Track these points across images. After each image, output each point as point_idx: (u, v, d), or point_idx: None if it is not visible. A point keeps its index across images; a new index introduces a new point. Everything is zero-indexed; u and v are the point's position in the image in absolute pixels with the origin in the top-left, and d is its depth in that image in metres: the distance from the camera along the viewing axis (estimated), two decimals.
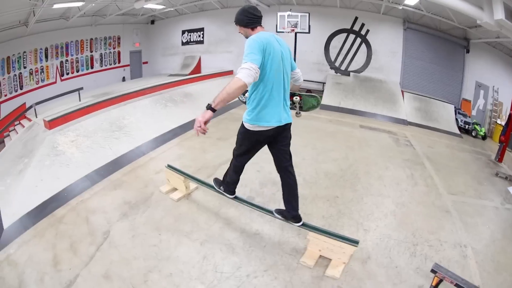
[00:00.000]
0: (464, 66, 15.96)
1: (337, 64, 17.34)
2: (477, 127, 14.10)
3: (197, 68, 21.38)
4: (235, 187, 4.41)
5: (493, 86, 15.10)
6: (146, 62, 25.83)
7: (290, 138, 3.79)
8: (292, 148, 3.95)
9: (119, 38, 23.74)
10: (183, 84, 13.72)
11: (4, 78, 17.35)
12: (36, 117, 11.26)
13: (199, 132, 3.07)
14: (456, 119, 14.24)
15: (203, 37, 22.18)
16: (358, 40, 16.78)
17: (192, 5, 21.38)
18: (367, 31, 16.50)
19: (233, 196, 4.50)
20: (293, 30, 14.30)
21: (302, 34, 14.90)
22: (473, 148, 11.72)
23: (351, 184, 6.80)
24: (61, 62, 20.44)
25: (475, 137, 13.82)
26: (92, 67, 22.35)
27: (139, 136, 8.27)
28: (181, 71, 21.15)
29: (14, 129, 13.78)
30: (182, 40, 23.35)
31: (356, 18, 16.39)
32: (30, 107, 13.59)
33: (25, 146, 8.02)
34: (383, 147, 9.68)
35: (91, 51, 22.15)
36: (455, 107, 14.96)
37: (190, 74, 19.47)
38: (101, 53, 22.84)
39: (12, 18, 14.86)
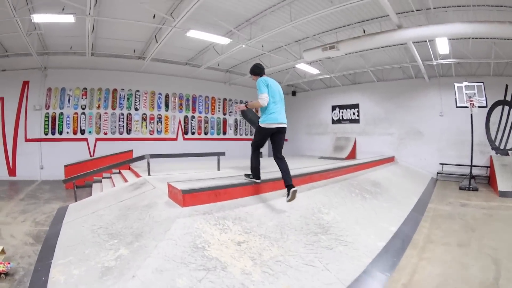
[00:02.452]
0: None
1: (497, 143, 14.80)
2: None
3: (352, 152, 17.94)
4: (259, 172, 5.98)
5: None
6: (286, 140, 21.35)
7: (284, 137, 5.80)
8: None
9: None
10: (358, 170, 11.06)
11: (106, 113, 14.52)
12: (149, 174, 8.72)
13: (238, 109, 6.57)
14: None
15: (358, 115, 18.74)
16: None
17: (342, 77, 18.35)
18: None
19: (260, 180, 6.01)
20: (472, 103, 12.22)
21: (467, 111, 13.03)
22: None
23: None
24: (186, 117, 17.12)
25: None
26: (224, 133, 18.90)
27: (359, 243, 4.88)
28: (334, 154, 17.99)
29: (111, 177, 10.51)
30: (332, 118, 20.09)
31: (507, 86, 14.15)
32: (141, 158, 9.82)
33: (132, 217, 5.20)
34: None
35: (224, 114, 18.95)
36: None
37: (347, 158, 16.62)
38: (236, 119, 19.50)
39: (126, 44, 13.18)
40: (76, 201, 7.85)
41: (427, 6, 9.99)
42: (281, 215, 5.27)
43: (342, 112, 19.39)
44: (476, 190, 11.72)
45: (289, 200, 5.17)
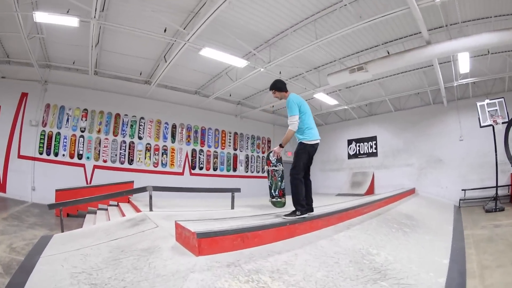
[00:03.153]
0: None
1: None
2: None
3: (371, 187, 16.84)
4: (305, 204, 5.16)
5: None
6: None
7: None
8: None
9: (269, 141, 19.47)
10: (387, 203, 10.29)
11: (107, 139, 13.27)
12: (151, 209, 7.33)
13: (277, 155, 6.41)
14: None
15: (376, 148, 17.92)
16: None
17: (358, 109, 17.67)
18: None
19: (313, 211, 5.43)
20: (495, 120, 12.00)
21: (486, 132, 13.10)
22: None
23: None
24: (193, 150, 15.80)
25: None
26: (235, 169, 17.47)
27: (422, 284, 3.91)
28: (352, 190, 16.95)
29: (107, 209, 9.18)
30: (348, 152, 19.29)
31: None
32: (142, 189, 8.03)
33: (125, 264, 3.79)
34: None
35: (235, 149, 17.65)
36: None
37: (365, 194, 15.55)
38: (247, 155, 18.23)
39: (132, 62, 12.33)
40: (62, 231, 6.62)
41: (450, 22, 9.99)
42: (328, 262, 3.93)
43: (359, 146, 18.57)
44: (503, 210, 11.49)
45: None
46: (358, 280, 3.72)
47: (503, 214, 11.04)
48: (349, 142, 19.01)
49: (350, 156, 18.97)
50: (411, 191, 14.34)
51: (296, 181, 5.11)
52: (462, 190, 14.28)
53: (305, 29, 9.78)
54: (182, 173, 15.03)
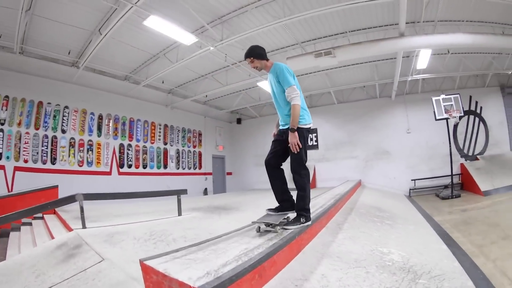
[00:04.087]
0: None
1: (465, 150, 15.96)
2: None
3: (313, 181, 16.59)
4: None
5: None
6: (231, 173, 19.37)
7: None
8: None
9: (200, 134, 17.70)
10: (348, 198, 9.76)
11: (28, 133, 10.55)
12: (84, 226, 5.35)
13: (297, 146, 3.86)
14: None
15: (316, 141, 17.71)
16: (477, 120, 15.88)
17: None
18: (481, 108, 15.78)
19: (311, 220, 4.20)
20: (450, 114, 12.83)
21: (434, 125, 14.29)
22: None
23: None
24: (121, 145, 13.41)
25: None
26: (165, 167, 15.34)
27: (447, 272, 4.00)
28: (291, 184, 14.60)
29: (31, 223, 7.19)
30: None
31: (470, 97, 15.60)
32: (70, 200, 5.84)
33: None
34: None
35: (165, 143, 15.53)
36: None
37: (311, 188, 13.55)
38: (178, 150, 16.18)
39: (64, 37, 10.00)
40: None
41: (426, 19, 10.17)
42: (359, 274, 3.50)
43: None
44: (459, 196, 12.30)
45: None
46: (401, 285, 3.51)
47: (460, 200, 11.82)
48: None
49: None
50: (359, 183, 14.43)
51: (304, 180, 4.04)
52: (412, 180, 14.94)
53: (267, 7, 8.69)
54: (109, 173, 12.73)
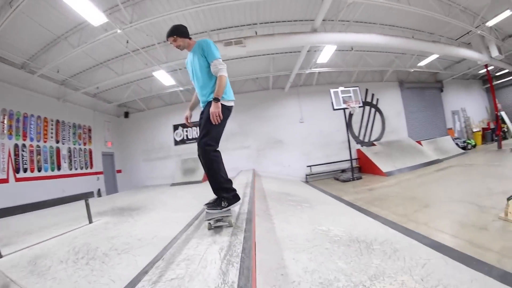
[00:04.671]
0: (443, 103, 21.56)
1: (361, 137, 17.80)
2: (469, 142, 19.78)
3: (205, 175, 15.32)
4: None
5: (461, 108, 22.33)
6: (120, 171, 17.66)
7: None
8: None
9: (90, 130, 15.77)
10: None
11: None
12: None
13: (218, 117, 3.55)
14: (457, 144, 18.73)
15: None
16: (373, 110, 17.97)
17: (186, 92, 16.54)
18: (377, 100, 17.98)
19: (240, 199, 3.87)
20: (349, 105, 14.00)
21: (328, 115, 15.71)
22: (483, 151, 17.30)
23: None
24: (16, 146, 11.18)
25: (469, 149, 19.12)
26: (59, 168, 13.24)
27: (399, 241, 4.33)
28: (187, 178, 16.10)
29: None
30: (175, 139, 17.92)
31: (366, 90, 17.39)
32: None
33: None
34: (451, 176, 11.35)
35: (57, 141, 13.47)
36: (451, 137, 19.36)
37: (203, 180, 14.99)
38: (70, 148, 14.17)
39: None
40: None
41: (340, 19, 10.90)
42: (319, 250, 3.73)
43: (187, 131, 17.72)
44: (360, 178, 13.51)
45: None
46: (362, 252, 3.77)
47: (363, 181, 12.87)
48: (175, 127, 17.85)
49: (177, 142, 17.87)
50: (254, 173, 14.47)
51: (214, 157, 3.70)
52: (308, 166, 16.02)
53: None
54: (6, 180, 10.48)
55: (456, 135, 21.47)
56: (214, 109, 3.51)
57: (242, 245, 2.74)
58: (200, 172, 15.66)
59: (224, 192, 3.65)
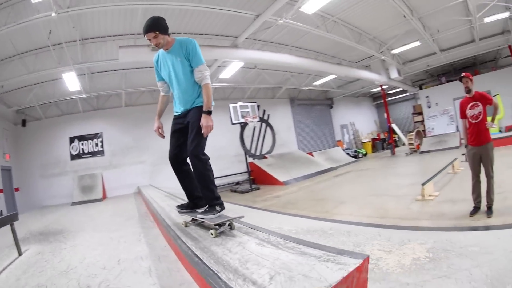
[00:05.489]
0: (332, 118, 25.04)
1: (252, 151, 18.35)
2: (360, 151, 23.09)
3: (103, 191, 14.83)
4: None
5: (350, 122, 26.31)
6: (18, 189, 14.48)
7: None
8: None
9: None
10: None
11: None
12: None
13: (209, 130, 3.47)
14: (348, 153, 21.82)
15: (102, 146, 16.00)
16: (264, 125, 18.77)
17: (84, 101, 15.35)
18: (268, 115, 18.89)
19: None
20: (247, 119, 14.84)
21: (221, 130, 15.94)
22: (376, 158, 19.96)
23: None
24: None
25: (361, 157, 22.24)
26: None
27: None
28: (86, 196, 14.32)
29: None
30: (71, 152, 15.77)
31: (258, 106, 17.21)
32: None
33: None
34: (352, 179, 13.11)
35: None
36: (341, 148, 22.59)
37: (104, 198, 14.12)
38: None
39: None
40: None
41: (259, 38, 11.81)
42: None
43: (83, 144, 15.87)
44: (258, 189, 14.08)
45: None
46: (326, 236, 4.49)
47: (262, 191, 13.44)
48: (71, 140, 15.76)
49: (73, 157, 15.85)
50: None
51: (210, 168, 3.68)
52: None
53: None
54: None
55: (345, 146, 24.78)
56: (208, 122, 3.43)
57: None
58: (99, 190, 14.42)
59: (217, 200, 3.62)
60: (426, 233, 4.19)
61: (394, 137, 23.76)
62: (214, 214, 3.50)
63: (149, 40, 3.46)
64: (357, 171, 14.98)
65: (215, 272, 2.44)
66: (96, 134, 15.75)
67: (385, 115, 22.17)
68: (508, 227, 4.24)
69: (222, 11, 8.83)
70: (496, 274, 2.69)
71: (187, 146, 3.63)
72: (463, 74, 5.44)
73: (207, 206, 3.65)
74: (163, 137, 4.04)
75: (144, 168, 16.18)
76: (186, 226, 3.85)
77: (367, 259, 2.24)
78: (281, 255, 2.58)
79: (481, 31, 15.14)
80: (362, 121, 28.29)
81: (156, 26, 3.40)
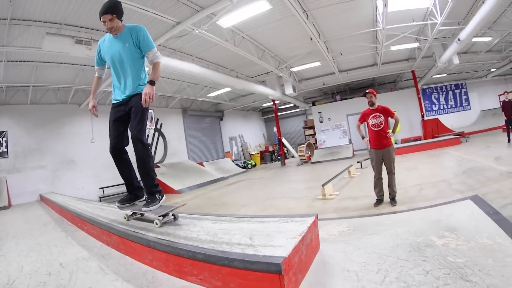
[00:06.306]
0: (221, 130, 26.05)
1: None
2: (249, 162, 24.46)
3: (8, 199, 12.79)
4: None
5: (239, 134, 27.90)
6: None
7: None
8: None
9: None
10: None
11: None
12: None
13: (149, 102, 3.42)
14: (237, 164, 23.04)
15: (6, 147, 13.79)
16: (156, 134, 18.35)
17: None
18: (161, 124, 18.48)
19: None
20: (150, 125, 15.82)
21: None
22: (266, 169, 21.32)
23: None
24: None
25: (250, 168, 23.77)
26: None
27: None
28: None
29: None
30: None
31: (157, 120, 18.11)
32: None
33: None
34: (247, 186, 13.87)
35: None
36: (230, 159, 23.49)
37: (9, 206, 12.17)
38: None
39: None
40: None
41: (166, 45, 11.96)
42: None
43: None
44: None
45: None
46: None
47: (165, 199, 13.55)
48: None
49: None
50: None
51: (148, 151, 3.72)
52: (100, 188, 15.37)
53: None
54: None
55: (233, 157, 25.86)
56: (150, 90, 3.41)
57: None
58: (4, 196, 12.47)
59: (156, 187, 3.71)
60: (337, 220, 4.66)
61: (284, 149, 24.84)
62: (156, 204, 3.59)
63: (104, 22, 3.47)
64: (250, 180, 15.86)
65: (194, 246, 2.59)
66: (1, 132, 13.65)
67: (275, 128, 23.89)
68: (415, 209, 4.90)
69: (145, 12, 8.65)
70: (417, 231, 3.26)
71: (126, 134, 3.73)
72: (368, 90, 6.24)
73: (148, 195, 3.72)
74: (97, 116, 4.01)
75: (45, 173, 14.58)
76: (127, 220, 3.85)
77: (316, 217, 3.00)
78: (243, 226, 3.07)
79: (385, 56, 16.74)
80: (250, 134, 30.20)
81: (114, 9, 3.46)
